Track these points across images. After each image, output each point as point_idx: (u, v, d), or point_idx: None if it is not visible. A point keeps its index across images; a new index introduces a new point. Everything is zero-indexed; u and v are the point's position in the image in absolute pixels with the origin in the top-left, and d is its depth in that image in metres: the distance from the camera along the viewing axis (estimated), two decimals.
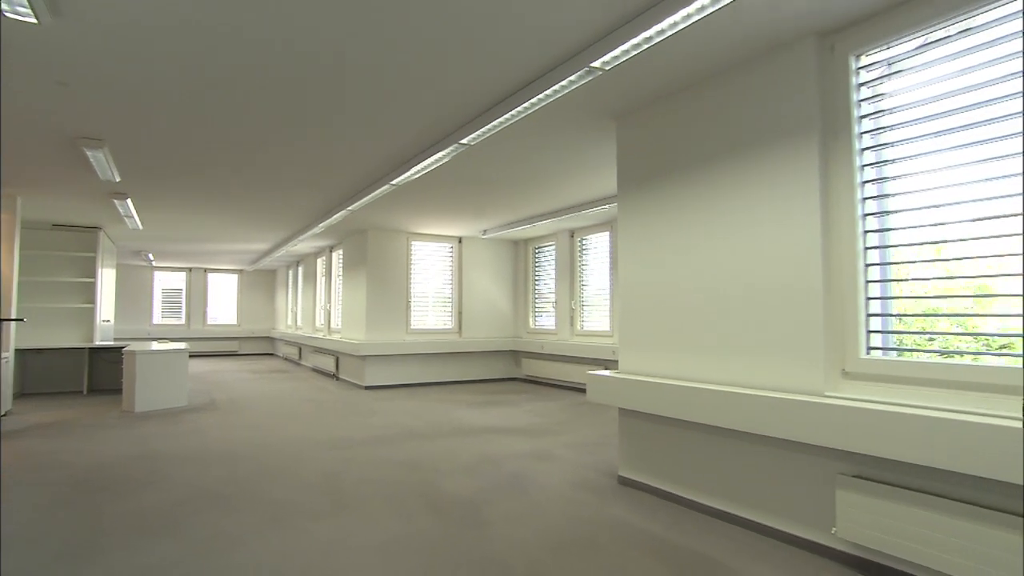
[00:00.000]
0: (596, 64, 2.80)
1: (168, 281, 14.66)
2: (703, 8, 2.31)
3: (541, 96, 3.19)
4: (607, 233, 7.78)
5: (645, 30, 2.49)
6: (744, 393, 2.78)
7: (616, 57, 2.73)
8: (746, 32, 2.67)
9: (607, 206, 6.41)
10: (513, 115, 3.48)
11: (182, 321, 14.60)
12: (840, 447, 2.37)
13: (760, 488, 2.85)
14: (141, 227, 8.20)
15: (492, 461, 4.25)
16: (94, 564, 2.49)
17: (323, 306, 11.10)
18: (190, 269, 14.67)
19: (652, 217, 3.52)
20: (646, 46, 2.63)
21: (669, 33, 2.51)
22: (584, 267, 8.29)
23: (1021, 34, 2.08)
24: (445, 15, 2.54)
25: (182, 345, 7.27)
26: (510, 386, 8.76)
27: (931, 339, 2.46)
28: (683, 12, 2.33)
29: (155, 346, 7.15)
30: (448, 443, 4.86)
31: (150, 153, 4.66)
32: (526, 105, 3.32)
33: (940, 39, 2.34)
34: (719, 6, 2.29)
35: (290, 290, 13.98)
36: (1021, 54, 2.07)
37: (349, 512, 3.16)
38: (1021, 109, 2.08)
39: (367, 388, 8.30)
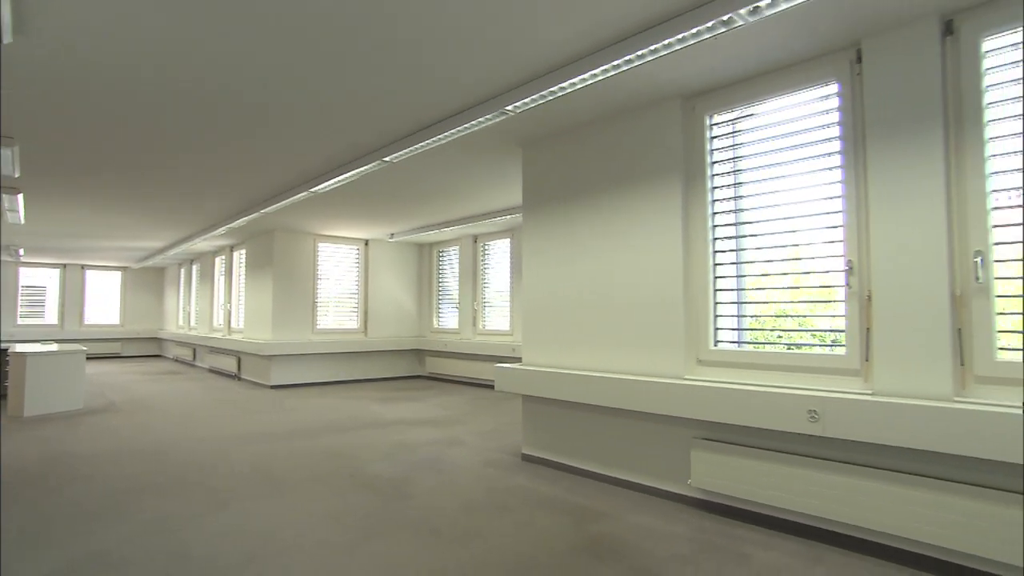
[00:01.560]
0: (509, 108, 3.37)
1: (31, 278, 13.54)
2: (595, 75, 2.94)
3: (460, 128, 3.71)
4: (508, 239, 8.41)
5: (551, 86, 3.09)
6: (624, 378, 3.47)
7: (526, 103, 3.32)
8: (630, 92, 3.35)
9: (509, 216, 7.04)
10: (435, 140, 3.98)
11: (51, 320, 13.59)
12: (694, 416, 3.11)
13: (636, 454, 3.55)
14: (23, 222, 7.78)
15: (407, 448, 4.71)
16: (55, 547, 2.71)
17: (223, 306, 10.90)
18: (65, 265, 13.70)
19: (552, 233, 4.15)
20: (551, 97, 3.23)
21: (570, 90, 3.12)
22: (487, 270, 8.88)
23: (810, 115, 2.89)
24: (374, 62, 3.00)
25: (77, 346, 7.04)
26: (415, 383, 9.17)
27: (779, 335, 3.25)
28: (581, 76, 2.95)
29: (46, 347, 6.88)
30: (364, 435, 5.24)
31: (60, 152, 4.67)
32: (447, 134, 3.83)
33: (761, 112, 3.14)
34: (610, 75, 2.93)
35: (183, 289, 13.45)
36: (810, 130, 2.89)
37: (288, 493, 3.52)
38: (824, 167, 2.89)
39: (273, 387, 8.38)
